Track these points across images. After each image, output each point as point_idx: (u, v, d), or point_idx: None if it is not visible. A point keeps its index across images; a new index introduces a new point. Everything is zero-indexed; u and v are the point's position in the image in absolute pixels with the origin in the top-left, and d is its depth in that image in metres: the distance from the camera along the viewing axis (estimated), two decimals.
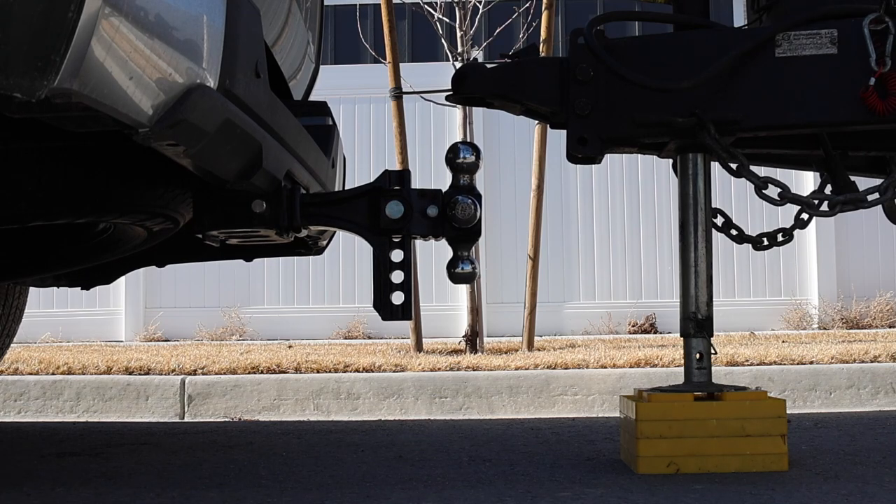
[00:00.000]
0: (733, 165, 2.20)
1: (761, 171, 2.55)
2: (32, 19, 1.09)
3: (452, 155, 2.06)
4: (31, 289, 3.37)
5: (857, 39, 2.17)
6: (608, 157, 3.13)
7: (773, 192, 2.18)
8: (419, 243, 5.45)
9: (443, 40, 5.61)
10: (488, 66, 2.41)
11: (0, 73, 1.09)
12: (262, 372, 4.03)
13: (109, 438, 3.07)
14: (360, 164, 7.64)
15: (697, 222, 2.33)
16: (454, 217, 2.03)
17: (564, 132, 2.31)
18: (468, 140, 5.31)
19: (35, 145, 1.76)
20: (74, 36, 1.12)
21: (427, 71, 6.76)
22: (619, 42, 2.30)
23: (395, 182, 2.03)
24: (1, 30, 1.07)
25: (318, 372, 4.04)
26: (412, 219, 2.02)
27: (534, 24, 5.91)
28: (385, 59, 5.21)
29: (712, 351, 2.33)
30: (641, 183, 7.88)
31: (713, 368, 2.71)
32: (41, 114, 1.20)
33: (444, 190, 2.07)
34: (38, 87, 1.12)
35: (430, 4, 5.82)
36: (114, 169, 1.93)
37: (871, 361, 3.94)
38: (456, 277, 2.09)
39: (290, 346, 5.92)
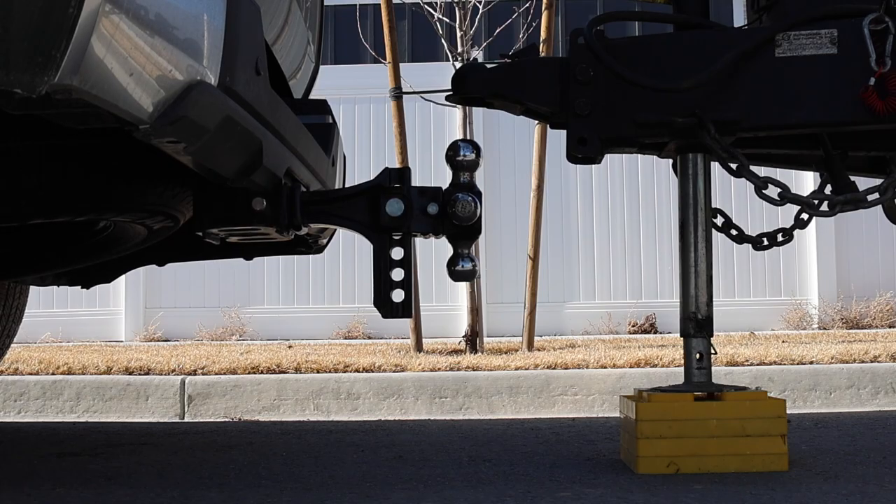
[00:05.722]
0: (733, 165, 2.20)
1: (761, 171, 2.54)
2: (33, 15, 1.09)
3: (452, 152, 2.06)
4: (32, 288, 3.37)
5: (857, 39, 2.17)
6: (608, 157, 3.13)
7: (773, 192, 2.17)
8: (419, 243, 5.44)
9: (443, 40, 5.61)
10: (488, 66, 2.41)
11: (0, 68, 1.09)
12: (262, 372, 4.03)
13: (109, 438, 3.07)
14: (360, 164, 7.63)
15: (697, 222, 2.33)
16: (454, 214, 2.03)
17: (564, 132, 2.31)
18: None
19: (35, 143, 1.76)
20: (75, 32, 1.12)
21: (427, 71, 6.76)
22: (619, 42, 2.30)
23: (395, 180, 2.03)
24: (1, 26, 1.07)
25: (318, 372, 4.04)
26: (412, 216, 2.02)
27: (534, 24, 5.91)
28: (385, 59, 5.21)
29: (712, 351, 2.33)
30: (641, 183, 7.88)
31: (713, 368, 2.71)
32: (41, 110, 1.20)
33: (444, 188, 2.07)
34: (39, 84, 1.12)
35: (430, 4, 5.82)
36: (114, 167, 1.93)
37: (871, 361, 3.94)
38: (456, 275, 2.09)
39: (290, 346, 5.92)
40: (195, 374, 4.00)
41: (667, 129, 2.27)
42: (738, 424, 2.18)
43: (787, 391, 3.81)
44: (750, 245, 2.53)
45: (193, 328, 7.79)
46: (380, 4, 5.15)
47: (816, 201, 2.24)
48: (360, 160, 7.75)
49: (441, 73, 4.91)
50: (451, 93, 2.39)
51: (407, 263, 2.02)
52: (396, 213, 2.01)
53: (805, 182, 7.30)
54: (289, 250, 2.71)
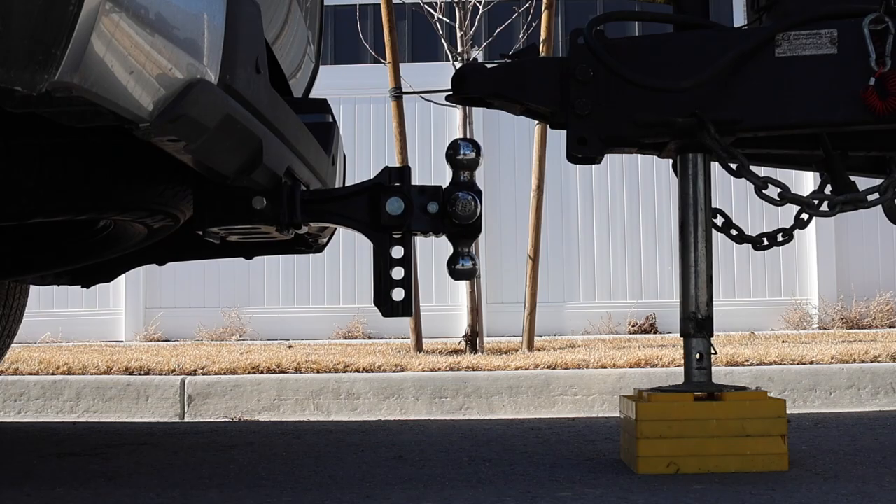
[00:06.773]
0: (733, 165, 2.20)
1: (761, 171, 2.54)
2: (33, 13, 1.09)
3: (453, 151, 2.06)
4: (32, 288, 3.37)
5: (857, 39, 2.17)
6: (608, 157, 3.11)
7: (773, 192, 2.17)
8: (419, 242, 5.44)
9: (443, 40, 5.61)
10: (488, 66, 2.41)
11: (1, 66, 1.09)
12: (262, 372, 4.03)
13: (109, 438, 3.07)
14: (360, 165, 7.63)
15: (697, 222, 2.33)
16: (454, 213, 2.03)
17: (564, 132, 2.31)
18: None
19: (35, 141, 1.76)
20: (75, 30, 1.12)
21: (427, 71, 6.76)
22: (619, 42, 2.30)
23: (395, 178, 2.03)
24: (2, 23, 1.07)
25: (318, 372, 4.04)
26: (412, 215, 2.02)
27: (534, 24, 5.91)
28: (385, 59, 5.21)
29: (712, 351, 2.33)
30: (641, 183, 7.88)
31: (713, 368, 2.71)
32: (42, 108, 1.20)
33: (444, 187, 2.07)
34: (39, 81, 1.12)
35: (430, 4, 5.82)
36: (114, 165, 1.93)
37: (871, 361, 3.94)
38: (456, 274, 2.09)
39: (290, 346, 5.92)
40: (195, 374, 4.00)
41: (667, 129, 2.27)
42: (738, 424, 2.18)
43: (787, 391, 3.81)
44: (750, 245, 2.53)
45: (193, 328, 7.79)
46: (380, 4, 5.15)
47: (816, 201, 2.24)
48: (360, 160, 7.75)
49: (441, 73, 4.91)
50: (451, 93, 2.39)
51: (407, 262, 2.02)
52: (396, 212, 2.01)
53: (805, 182, 7.30)
54: (289, 249, 2.71)
